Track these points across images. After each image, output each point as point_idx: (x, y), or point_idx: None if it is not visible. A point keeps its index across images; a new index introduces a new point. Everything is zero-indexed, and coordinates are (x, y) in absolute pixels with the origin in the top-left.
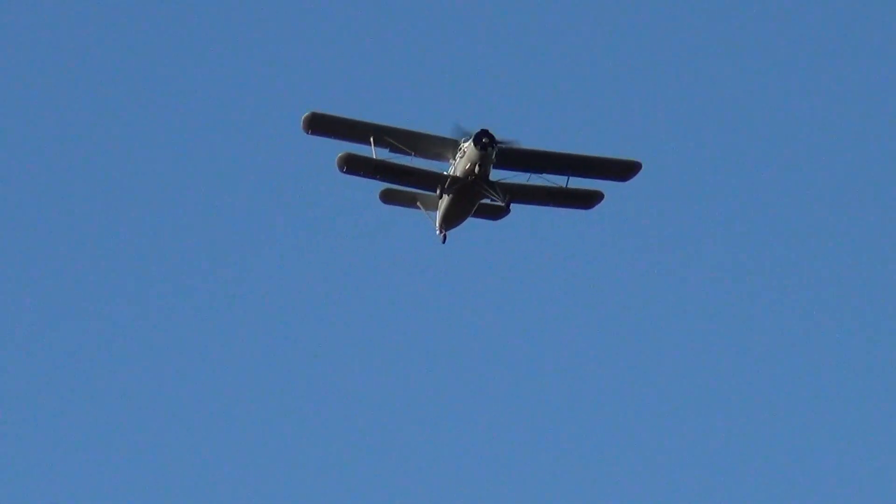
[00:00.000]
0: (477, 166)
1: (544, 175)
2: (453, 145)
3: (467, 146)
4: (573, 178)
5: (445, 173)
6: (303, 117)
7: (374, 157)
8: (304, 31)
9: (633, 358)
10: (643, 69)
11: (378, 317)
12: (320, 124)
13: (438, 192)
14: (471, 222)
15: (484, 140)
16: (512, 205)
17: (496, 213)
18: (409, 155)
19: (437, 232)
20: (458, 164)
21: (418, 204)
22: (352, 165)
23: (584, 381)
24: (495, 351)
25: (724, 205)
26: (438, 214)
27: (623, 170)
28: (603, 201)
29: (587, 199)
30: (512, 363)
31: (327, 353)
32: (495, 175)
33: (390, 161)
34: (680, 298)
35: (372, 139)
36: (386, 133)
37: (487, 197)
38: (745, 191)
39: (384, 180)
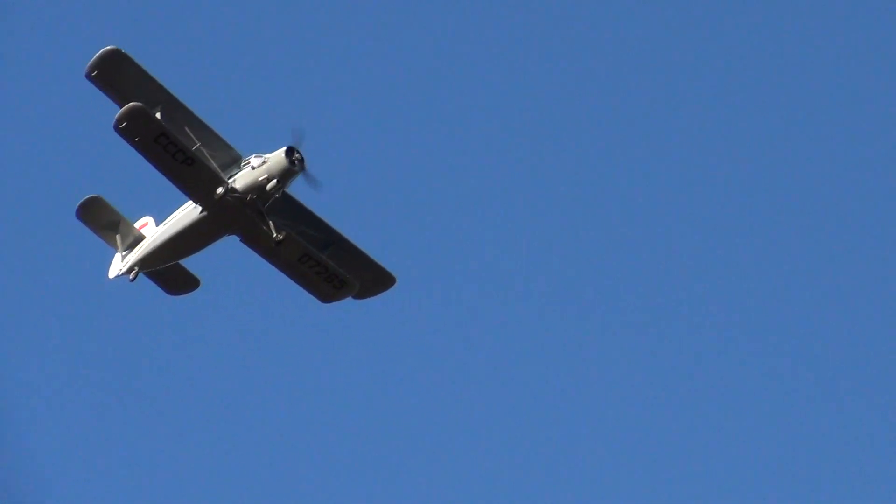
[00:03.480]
0: (274, 181)
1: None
2: (236, 159)
3: (271, 156)
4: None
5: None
6: (101, 52)
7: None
8: None
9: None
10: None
11: None
12: (113, 68)
13: (215, 195)
14: None
15: (296, 156)
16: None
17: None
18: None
19: (126, 268)
20: (245, 176)
21: (118, 236)
22: (138, 123)
23: None
24: None
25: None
26: (146, 246)
27: (377, 280)
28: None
29: (341, 289)
30: None
31: None
32: None
33: (181, 139)
34: None
35: (160, 111)
36: (181, 112)
37: (250, 229)
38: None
39: (154, 160)
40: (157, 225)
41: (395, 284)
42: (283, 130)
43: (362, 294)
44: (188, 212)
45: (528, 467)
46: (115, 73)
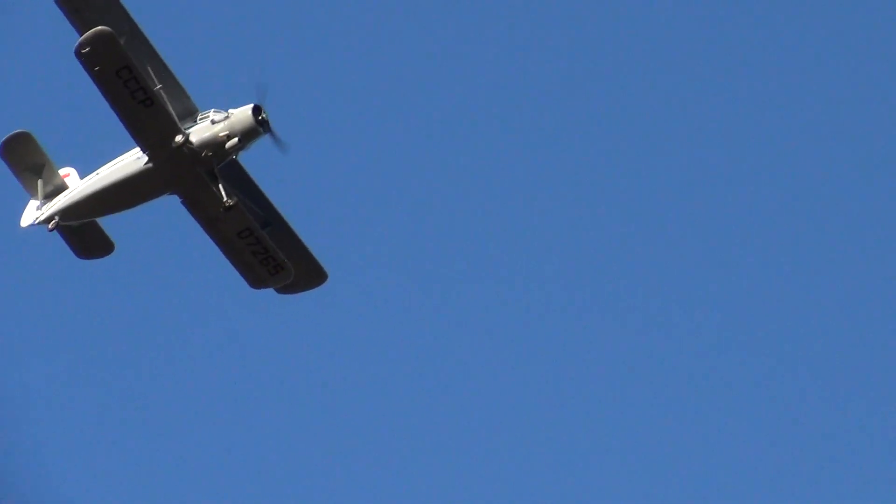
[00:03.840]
0: (235, 139)
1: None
2: (192, 111)
3: (235, 112)
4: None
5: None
6: None
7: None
8: None
9: None
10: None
11: None
12: None
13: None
14: None
15: (263, 115)
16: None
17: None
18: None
19: (45, 217)
20: (202, 130)
21: (39, 181)
22: (104, 50)
23: None
24: None
25: None
26: (71, 194)
27: (308, 273)
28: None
29: (275, 274)
30: None
31: None
32: None
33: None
34: None
35: (123, 42)
36: (145, 47)
37: (196, 189)
38: None
39: (111, 95)
40: (81, 178)
41: (326, 282)
42: (246, 89)
43: (289, 288)
44: (129, 162)
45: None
46: None
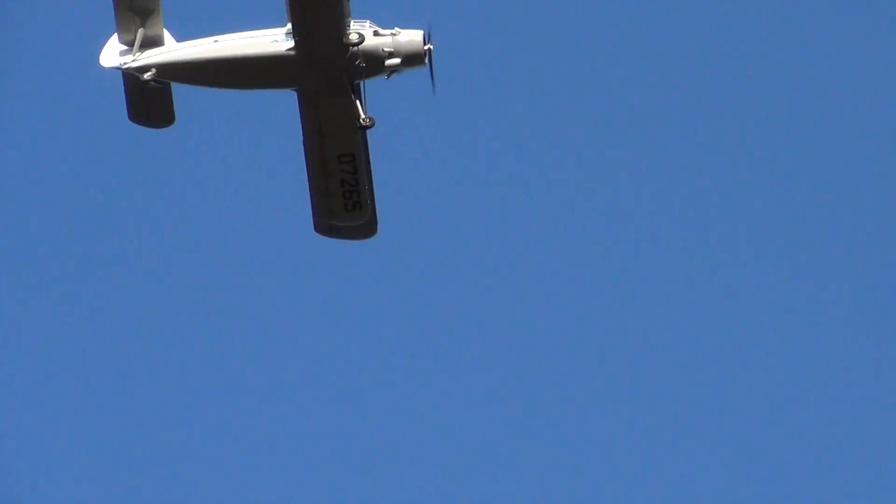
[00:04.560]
0: (398, 60)
1: None
2: (346, 13)
3: (404, 32)
4: None
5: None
6: None
7: None
8: None
9: None
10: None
11: None
12: None
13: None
14: None
15: (429, 46)
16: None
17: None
18: None
19: (140, 65)
20: (365, 38)
21: (141, 28)
22: None
23: None
24: None
25: None
26: (180, 52)
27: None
28: None
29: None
30: None
31: None
32: None
33: None
34: None
35: None
36: None
37: (330, 94)
38: None
39: None
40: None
41: (374, 237)
42: (410, 15)
43: (336, 231)
44: (262, 41)
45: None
46: None
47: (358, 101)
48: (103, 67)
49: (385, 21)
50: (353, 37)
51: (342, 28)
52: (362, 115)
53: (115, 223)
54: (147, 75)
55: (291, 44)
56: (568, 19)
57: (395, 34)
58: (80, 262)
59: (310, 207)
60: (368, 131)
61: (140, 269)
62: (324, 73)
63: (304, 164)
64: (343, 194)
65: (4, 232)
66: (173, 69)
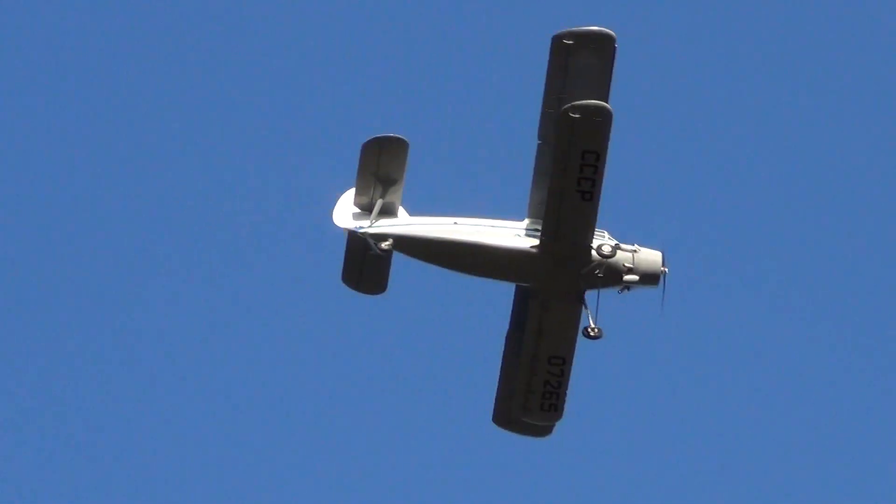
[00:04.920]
0: (636, 277)
1: None
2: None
3: (645, 251)
4: None
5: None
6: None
7: None
8: None
9: None
10: None
11: None
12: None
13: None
14: None
15: (666, 269)
16: None
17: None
18: None
19: (377, 232)
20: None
21: (381, 197)
22: (592, 125)
23: None
24: None
25: None
26: (421, 228)
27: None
28: None
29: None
30: None
31: None
32: None
33: None
34: None
35: None
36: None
37: (561, 298)
38: None
39: (559, 165)
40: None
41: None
42: (652, 234)
43: (517, 426)
44: (505, 231)
45: None
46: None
47: (588, 310)
48: (335, 225)
49: (615, 232)
50: (606, 248)
51: (590, 235)
52: (592, 325)
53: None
54: (384, 245)
55: (536, 241)
56: None
57: (635, 251)
58: None
59: (493, 398)
60: (593, 340)
61: None
62: (563, 277)
63: (502, 355)
64: (543, 394)
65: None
66: (411, 243)
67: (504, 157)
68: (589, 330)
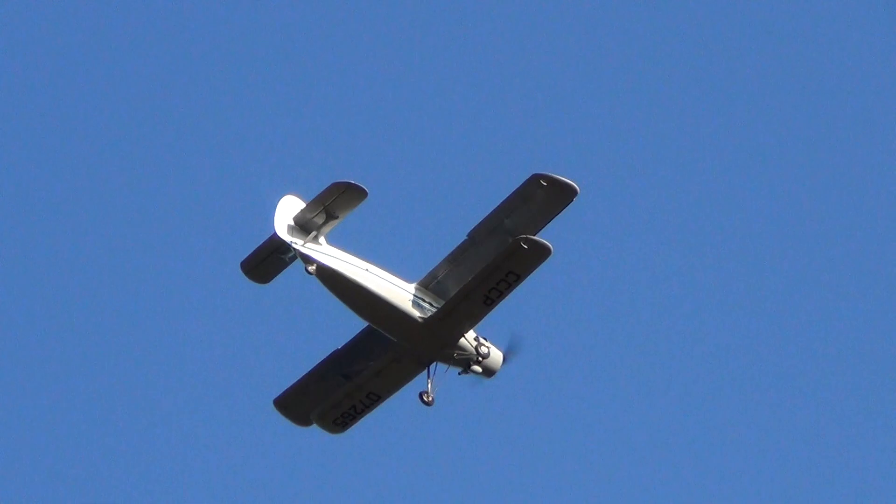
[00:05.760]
0: (479, 369)
1: None
2: None
3: (493, 350)
4: None
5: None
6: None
7: None
8: None
9: None
10: None
11: None
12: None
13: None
14: None
15: (503, 368)
16: None
17: None
18: None
19: (305, 251)
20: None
21: (326, 224)
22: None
23: None
24: None
25: None
26: (344, 264)
27: None
28: None
29: None
30: None
31: None
32: None
33: None
34: None
35: None
36: None
37: (415, 361)
38: None
39: (481, 280)
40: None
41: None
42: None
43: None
44: (405, 295)
45: None
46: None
47: (430, 380)
48: (274, 230)
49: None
50: (483, 349)
51: (468, 329)
52: (430, 392)
53: None
54: (310, 268)
55: (424, 315)
56: None
57: (489, 351)
58: None
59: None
60: (423, 405)
61: None
62: (428, 347)
63: (321, 361)
64: (344, 413)
65: None
66: (331, 275)
67: (430, 226)
68: (424, 395)
